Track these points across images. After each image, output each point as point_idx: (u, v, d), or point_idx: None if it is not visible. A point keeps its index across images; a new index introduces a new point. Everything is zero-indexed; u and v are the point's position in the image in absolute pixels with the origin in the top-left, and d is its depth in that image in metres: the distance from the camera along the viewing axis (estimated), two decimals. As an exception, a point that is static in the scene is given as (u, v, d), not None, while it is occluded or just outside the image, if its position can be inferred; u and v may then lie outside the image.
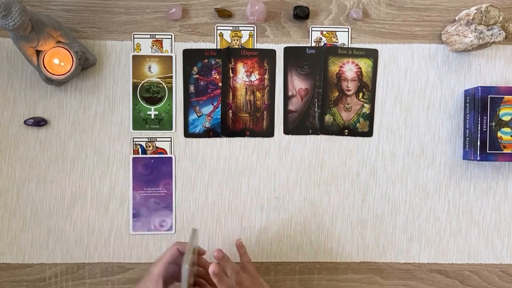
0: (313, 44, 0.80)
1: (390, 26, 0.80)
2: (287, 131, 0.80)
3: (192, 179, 0.79)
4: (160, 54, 0.79)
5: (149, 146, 0.79)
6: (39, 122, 0.77)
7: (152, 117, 0.79)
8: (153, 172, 0.78)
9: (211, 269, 0.61)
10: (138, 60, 0.79)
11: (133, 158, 0.78)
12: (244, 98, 0.80)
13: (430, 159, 0.80)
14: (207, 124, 0.79)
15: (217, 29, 0.79)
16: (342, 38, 0.80)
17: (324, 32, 0.80)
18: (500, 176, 0.80)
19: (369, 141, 0.80)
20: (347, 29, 0.80)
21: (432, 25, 0.80)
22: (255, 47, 0.80)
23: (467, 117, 0.79)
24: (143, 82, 0.79)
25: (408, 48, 0.80)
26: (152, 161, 0.78)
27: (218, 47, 0.79)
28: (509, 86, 0.76)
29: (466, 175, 0.80)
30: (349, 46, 0.80)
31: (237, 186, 0.79)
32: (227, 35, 0.79)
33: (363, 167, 0.80)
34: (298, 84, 0.80)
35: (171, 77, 0.79)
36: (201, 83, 0.79)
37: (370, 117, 0.80)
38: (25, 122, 0.77)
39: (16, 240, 0.78)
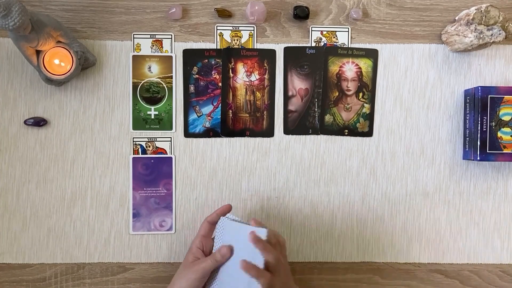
0: (313, 44, 0.80)
1: (390, 26, 0.80)
2: (287, 131, 0.80)
3: (192, 179, 0.79)
4: (160, 54, 0.79)
5: (149, 146, 0.79)
6: (39, 122, 0.77)
7: (152, 117, 0.79)
8: (153, 172, 0.78)
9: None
10: (138, 60, 0.79)
11: (133, 158, 0.78)
12: (244, 98, 0.80)
13: (430, 159, 0.80)
14: (207, 124, 0.79)
15: (217, 29, 0.79)
16: (342, 38, 0.80)
17: (324, 32, 0.80)
18: (500, 176, 0.80)
19: (369, 141, 0.80)
20: (347, 29, 0.80)
21: (432, 25, 0.80)
22: (255, 47, 0.80)
23: (467, 117, 0.78)
24: (143, 82, 0.79)
25: (408, 48, 0.80)
26: (152, 161, 0.78)
27: (218, 47, 0.79)
28: (509, 86, 0.76)
29: (466, 175, 0.80)
30: (349, 46, 0.80)
31: (237, 186, 0.79)
32: (227, 35, 0.79)
33: (363, 167, 0.80)
34: (298, 84, 0.80)
35: (171, 77, 0.79)
36: (201, 83, 0.79)
37: (370, 117, 0.80)
38: (25, 122, 0.77)
39: (16, 240, 0.78)
